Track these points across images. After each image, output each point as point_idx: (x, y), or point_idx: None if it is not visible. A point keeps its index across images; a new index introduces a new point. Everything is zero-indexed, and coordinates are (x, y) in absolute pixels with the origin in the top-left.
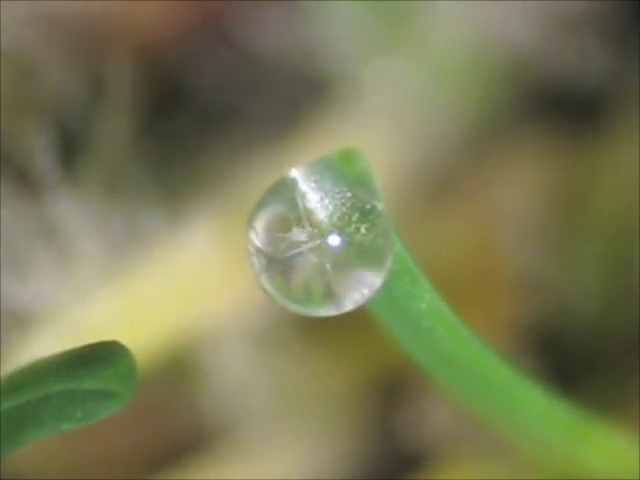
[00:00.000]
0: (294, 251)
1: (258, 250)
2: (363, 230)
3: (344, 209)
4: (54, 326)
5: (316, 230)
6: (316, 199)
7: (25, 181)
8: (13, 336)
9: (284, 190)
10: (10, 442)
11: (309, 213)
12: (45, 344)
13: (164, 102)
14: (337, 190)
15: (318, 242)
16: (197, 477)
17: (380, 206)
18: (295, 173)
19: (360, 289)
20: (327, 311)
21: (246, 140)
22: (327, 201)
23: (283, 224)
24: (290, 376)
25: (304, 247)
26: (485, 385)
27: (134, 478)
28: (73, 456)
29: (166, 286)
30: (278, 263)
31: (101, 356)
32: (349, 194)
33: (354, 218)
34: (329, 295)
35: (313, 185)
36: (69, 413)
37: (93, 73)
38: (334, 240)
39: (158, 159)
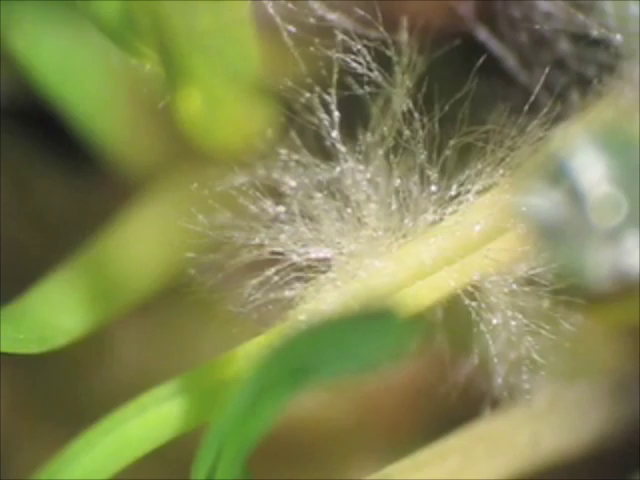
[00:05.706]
0: None
1: None
2: None
3: None
4: (336, 282)
5: None
6: None
7: (318, 150)
8: (298, 289)
9: None
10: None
11: None
12: (327, 298)
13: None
14: None
15: None
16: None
17: None
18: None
19: None
20: None
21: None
22: None
23: None
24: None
25: None
26: None
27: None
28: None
29: (441, 249)
30: None
31: (381, 319)
32: None
33: None
34: None
35: None
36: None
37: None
38: None
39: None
